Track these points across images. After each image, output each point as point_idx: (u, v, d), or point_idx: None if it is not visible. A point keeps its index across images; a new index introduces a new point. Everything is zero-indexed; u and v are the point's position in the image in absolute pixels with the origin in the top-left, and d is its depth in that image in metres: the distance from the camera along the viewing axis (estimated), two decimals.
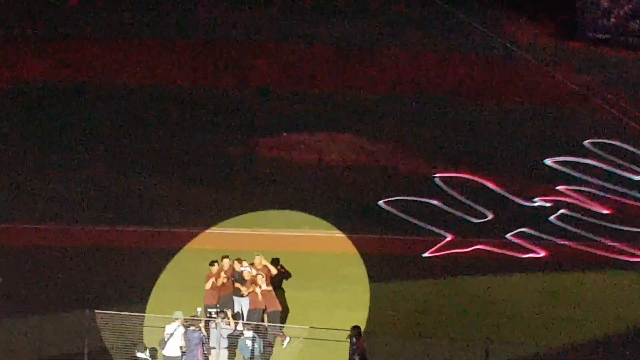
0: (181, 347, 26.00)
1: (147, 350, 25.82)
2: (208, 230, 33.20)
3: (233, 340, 26.18)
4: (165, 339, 25.79)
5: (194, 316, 25.98)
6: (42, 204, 35.09)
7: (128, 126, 40.99)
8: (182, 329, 25.86)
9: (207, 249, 31.19)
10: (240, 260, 28.35)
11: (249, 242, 32.07)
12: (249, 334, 25.40)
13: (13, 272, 30.46)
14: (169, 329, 25.91)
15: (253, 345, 25.36)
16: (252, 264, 28.17)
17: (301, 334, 26.94)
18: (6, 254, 31.73)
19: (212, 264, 27.97)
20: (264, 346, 25.66)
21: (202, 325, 25.76)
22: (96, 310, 25.57)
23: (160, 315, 27.20)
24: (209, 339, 25.84)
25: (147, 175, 37.64)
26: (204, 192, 36.58)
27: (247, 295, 27.54)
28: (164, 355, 25.90)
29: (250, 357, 25.30)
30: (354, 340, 25.28)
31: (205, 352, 26.13)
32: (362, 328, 26.84)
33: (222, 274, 27.66)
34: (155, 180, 37.14)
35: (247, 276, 27.82)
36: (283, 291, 29.41)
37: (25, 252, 32.12)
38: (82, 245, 32.82)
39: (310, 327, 26.80)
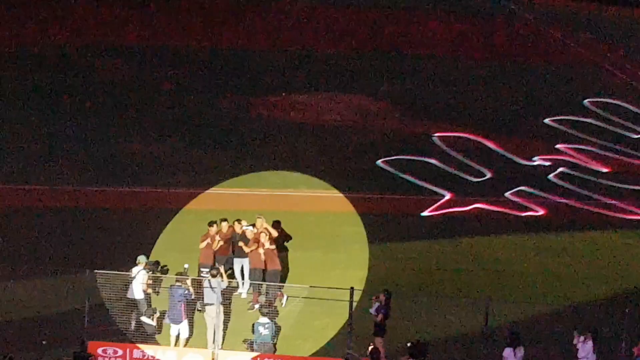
0: (144, 291, 26.14)
1: (154, 317, 25.92)
2: (207, 191, 33.22)
3: (226, 297, 26.22)
4: (130, 282, 25.96)
5: (179, 273, 26.05)
6: (42, 166, 35.11)
7: (127, 88, 40.94)
8: (144, 272, 26.02)
9: (206, 209, 31.22)
10: (239, 221, 28.34)
11: (247, 203, 32.10)
12: (263, 319, 25.43)
13: (14, 233, 30.54)
14: (133, 272, 26.11)
15: (266, 330, 25.41)
16: (253, 225, 28.15)
17: (301, 293, 26.98)
18: (6, 215, 31.80)
19: (210, 224, 27.97)
20: (275, 331, 25.69)
21: (189, 282, 25.80)
22: (96, 271, 25.61)
23: (161, 276, 27.28)
24: (203, 297, 25.90)
25: (147, 136, 37.63)
26: (203, 153, 36.58)
27: (249, 253, 27.53)
28: (128, 298, 26.02)
29: (263, 342, 25.36)
30: (382, 302, 25.23)
31: (200, 309, 26.21)
32: (361, 287, 26.90)
33: (218, 237, 27.68)
34: (154, 141, 37.14)
35: (249, 235, 27.83)
36: (286, 252, 29.43)
37: (25, 213, 32.17)
38: (82, 206, 32.87)
39: (310, 287, 26.84)
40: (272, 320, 25.50)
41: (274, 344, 25.57)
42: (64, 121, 38.13)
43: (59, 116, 38.58)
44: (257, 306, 26.85)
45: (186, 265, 26.53)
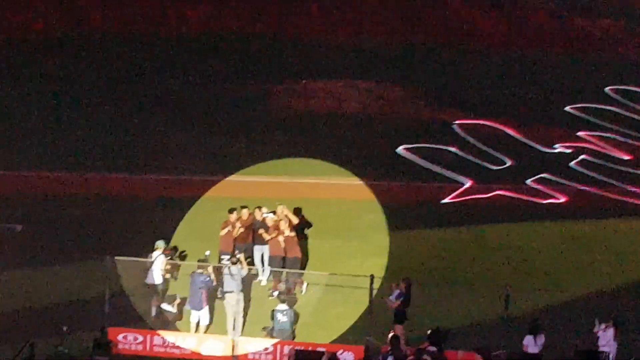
0: (163, 276, 26.22)
1: (175, 303, 26.00)
2: (227, 178, 33.21)
3: (245, 285, 26.25)
4: (148, 267, 26.05)
5: (200, 260, 26.08)
6: (62, 153, 35.19)
7: (146, 75, 40.92)
8: (162, 257, 26.06)
9: (226, 196, 31.21)
10: (260, 208, 28.33)
11: (267, 190, 32.06)
12: (282, 306, 25.46)
13: (35, 220, 30.64)
14: (152, 257, 26.18)
15: (285, 317, 25.44)
16: (273, 212, 28.14)
17: (321, 280, 26.98)
18: (28, 202, 31.90)
19: (231, 211, 28.01)
20: (294, 318, 25.72)
21: (210, 269, 25.83)
22: (116, 257, 25.68)
23: (179, 262, 27.35)
24: (223, 284, 25.92)
25: (167, 123, 37.65)
26: (223, 141, 36.58)
27: (269, 241, 27.54)
28: (146, 283, 26.10)
29: (282, 329, 25.39)
30: (402, 290, 25.21)
31: (220, 296, 26.23)
32: (381, 275, 26.86)
33: (238, 224, 27.69)
34: (175, 129, 37.14)
35: (269, 222, 27.83)
36: (306, 239, 29.42)
37: (45, 200, 32.27)
38: (103, 193, 32.95)
39: (330, 274, 26.82)
40: (290, 307, 25.51)
41: (293, 331, 25.60)
42: (85, 109, 38.18)
43: (80, 104, 38.62)
44: (275, 293, 26.86)
45: (207, 252, 26.57)
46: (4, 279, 26.55)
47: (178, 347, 25.29)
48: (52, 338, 24.71)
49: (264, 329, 25.86)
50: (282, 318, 25.30)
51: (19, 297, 26.86)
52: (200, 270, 25.79)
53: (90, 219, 31.20)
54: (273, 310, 25.56)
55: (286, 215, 28.03)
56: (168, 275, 26.65)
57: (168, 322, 26.00)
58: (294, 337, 25.49)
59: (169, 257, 26.66)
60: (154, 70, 41.13)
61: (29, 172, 33.82)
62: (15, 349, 23.04)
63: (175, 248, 27.83)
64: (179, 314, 26.29)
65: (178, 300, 26.15)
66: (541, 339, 23.98)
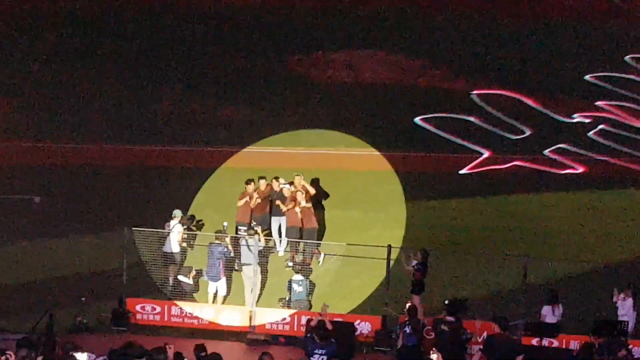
0: (180, 244, 26.31)
1: (190, 275, 26.07)
2: (245, 149, 33.20)
3: (263, 256, 26.28)
4: (165, 236, 26.15)
5: (218, 231, 26.12)
6: (81, 124, 35.23)
7: (164, 46, 40.85)
8: (180, 226, 26.13)
9: (244, 167, 31.21)
10: (277, 179, 28.33)
11: (285, 161, 32.05)
12: (297, 277, 25.51)
13: (54, 191, 30.75)
14: (170, 225, 26.26)
15: (300, 287, 25.48)
16: (291, 183, 28.15)
17: (338, 251, 26.98)
18: (47, 173, 32.00)
19: (248, 182, 28.00)
20: (310, 287, 25.77)
21: (227, 240, 25.88)
22: (134, 228, 25.74)
23: (196, 231, 27.38)
24: (240, 256, 25.96)
25: (185, 94, 37.62)
26: (240, 111, 36.52)
27: (286, 212, 27.55)
28: (164, 252, 26.19)
29: (298, 299, 25.44)
30: (420, 260, 25.21)
31: (237, 268, 26.29)
32: (399, 245, 26.85)
33: (255, 195, 27.69)
34: (193, 100, 37.12)
35: (286, 193, 27.84)
36: (323, 210, 29.41)
37: (63, 171, 32.35)
38: (120, 164, 32.99)
39: (347, 244, 26.82)
40: (306, 278, 25.56)
41: (310, 301, 25.64)
42: (104, 81, 38.18)
43: (98, 76, 38.61)
44: (290, 263, 26.90)
45: (225, 223, 26.60)
46: (22, 250, 26.65)
47: (196, 318, 25.37)
48: (71, 309, 24.86)
49: (280, 299, 25.91)
50: (298, 288, 25.35)
51: (38, 268, 27.00)
52: (217, 241, 25.82)
53: (108, 190, 31.28)
54: (289, 281, 25.59)
55: (303, 186, 28.01)
56: (184, 245, 26.71)
57: (185, 293, 26.07)
58: (310, 307, 25.54)
59: (185, 227, 26.71)
60: (172, 41, 41.04)
61: (47, 143, 33.91)
62: (34, 319, 23.15)
63: (192, 216, 27.89)
64: (196, 285, 26.37)
65: (194, 272, 26.22)
66: (559, 309, 23.95)
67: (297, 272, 25.65)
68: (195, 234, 27.22)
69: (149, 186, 31.47)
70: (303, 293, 25.35)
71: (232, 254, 26.07)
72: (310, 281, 25.89)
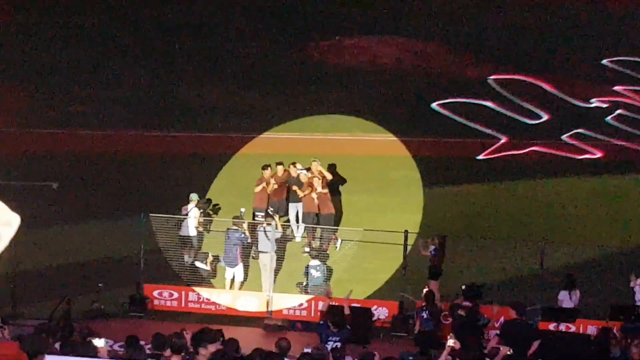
0: (196, 227, 26.38)
1: (207, 261, 26.12)
2: (262, 135, 33.21)
3: (280, 244, 26.30)
4: (182, 220, 26.23)
5: (235, 217, 26.15)
6: (97, 110, 35.31)
7: (180, 32, 40.86)
8: (196, 210, 26.20)
9: (261, 153, 31.23)
10: (294, 164, 28.34)
11: (302, 147, 32.04)
12: (314, 262, 25.54)
13: (72, 177, 30.83)
14: (187, 209, 26.34)
15: (318, 272, 25.52)
16: (308, 169, 28.15)
17: (355, 236, 26.99)
18: (64, 159, 32.09)
19: (265, 167, 28.01)
20: (327, 273, 25.79)
21: (245, 226, 25.91)
22: (151, 214, 25.81)
23: (212, 216, 27.41)
24: (258, 244, 25.99)
25: (201, 80, 37.63)
26: (257, 97, 36.52)
27: (303, 198, 27.56)
28: (180, 236, 26.26)
29: (316, 284, 25.48)
30: (437, 245, 25.21)
31: (254, 255, 26.32)
32: (416, 231, 26.84)
33: (272, 181, 27.70)
34: (209, 86, 37.14)
35: (303, 179, 27.84)
36: (340, 195, 29.41)
37: (81, 157, 32.44)
38: (137, 150, 33.06)
39: (364, 230, 26.82)
40: (323, 263, 25.59)
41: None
42: (119, 68, 38.23)
43: (113, 62, 38.67)
44: (307, 249, 26.92)
45: (242, 209, 26.63)
46: (40, 236, 26.76)
47: (213, 303, 25.43)
48: (89, 295, 24.95)
49: (298, 284, 25.94)
50: (315, 274, 25.37)
51: (56, 254, 27.09)
52: (235, 227, 25.85)
53: (125, 177, 31.35)
54: (307, 266, 25.62)
55: (320, 172, 28.01)
56: (201, 229, 26.77)
57: (202, 279, 26.13)
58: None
59: (201, 211, 26.77)
60: (188, 28, 41.04)
61: (65, 130, 33.99)
62: (52, 305, 23.25)
63: (209, 200, 27.95)
64: (213, 271, 26.42)
65: (210, 258, 26.27)
66: (576, 294, 23.90)
67: (314, 258, 25.67)
68: (212, 219, 27.27)
69: (166, 173, 31.52)
70: (320, 278, 25.38)
71: (249, 240, 26.10)
72: (327, 267, 25.91)
